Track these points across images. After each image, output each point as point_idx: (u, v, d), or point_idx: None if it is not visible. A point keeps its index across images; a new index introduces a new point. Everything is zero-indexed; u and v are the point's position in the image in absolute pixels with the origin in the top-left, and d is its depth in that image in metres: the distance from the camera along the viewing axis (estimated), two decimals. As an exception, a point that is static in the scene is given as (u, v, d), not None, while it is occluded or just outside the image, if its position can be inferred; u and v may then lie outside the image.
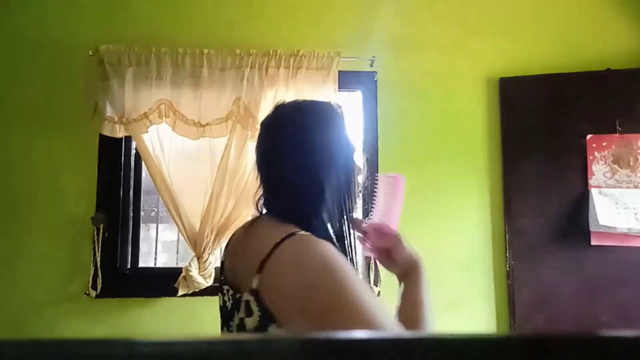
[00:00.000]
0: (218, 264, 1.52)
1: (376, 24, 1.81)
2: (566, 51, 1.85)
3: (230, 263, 0.74)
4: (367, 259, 1.66)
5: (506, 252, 1.74)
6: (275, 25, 1.78)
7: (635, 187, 1.69)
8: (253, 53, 1.65)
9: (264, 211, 0.74)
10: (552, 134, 1.75)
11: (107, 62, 1.60)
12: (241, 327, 0.62)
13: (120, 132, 1.61)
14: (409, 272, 0.74)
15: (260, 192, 0.75)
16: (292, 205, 0.68)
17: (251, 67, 1.65)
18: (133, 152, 1.76)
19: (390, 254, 0.75)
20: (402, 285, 0.74)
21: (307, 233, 0.62)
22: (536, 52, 1.85)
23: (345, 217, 0.72)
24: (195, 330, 1.64)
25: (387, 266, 0.78)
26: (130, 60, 1.62)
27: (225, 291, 0.70)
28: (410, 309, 0.69)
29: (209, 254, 1.62)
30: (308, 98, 0.78)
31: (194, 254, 1.62)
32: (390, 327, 0.54)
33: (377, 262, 0.79)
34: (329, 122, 0.72)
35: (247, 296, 0.61)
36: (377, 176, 0.69)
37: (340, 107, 0.76)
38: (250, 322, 0.60)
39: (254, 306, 0.59)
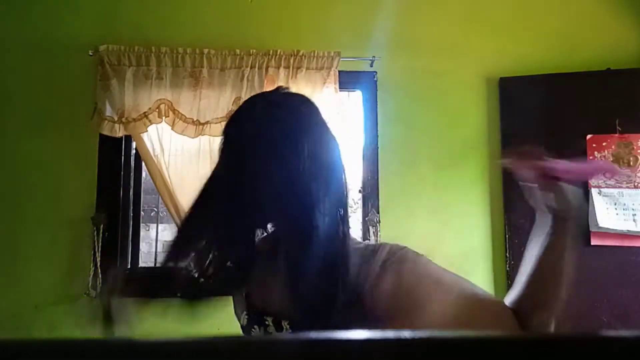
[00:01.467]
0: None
1: (376, 24, 1.81)
2: (566, 51, 1.84)
3: (259, 288, 0.73)
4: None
5: (506, 252, 1.74)
6: (275, 25, 1.78)
7: (635, 187, 1.68)
8: (253, 53, 1.65)
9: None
10: (552, 134, 1.74)
11: (107, 62, 1.60)
12: None
13: (119, 132, 1.61)
14: (565, 218, 0.61)
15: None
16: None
17: (251, 67, 1.65)
18: (133, 152, 1.76)
19: (555, 188, 0.62)
20: (550, 231, 0.61)
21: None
22: (536, 52, 1.84)
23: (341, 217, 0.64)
24: (195, 330, 1.64)
25: (541, 201, 0.65)
26: (130, 60, 1.62)
27: (269, 322, 0.68)
28: (555, 263, 0.59)
29: (209, 254, 1.62)
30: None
31: (194, 254, 1.62)
32: (494, 300, 0.57)
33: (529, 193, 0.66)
34: (313, 120, 0.65)
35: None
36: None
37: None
38: None
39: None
